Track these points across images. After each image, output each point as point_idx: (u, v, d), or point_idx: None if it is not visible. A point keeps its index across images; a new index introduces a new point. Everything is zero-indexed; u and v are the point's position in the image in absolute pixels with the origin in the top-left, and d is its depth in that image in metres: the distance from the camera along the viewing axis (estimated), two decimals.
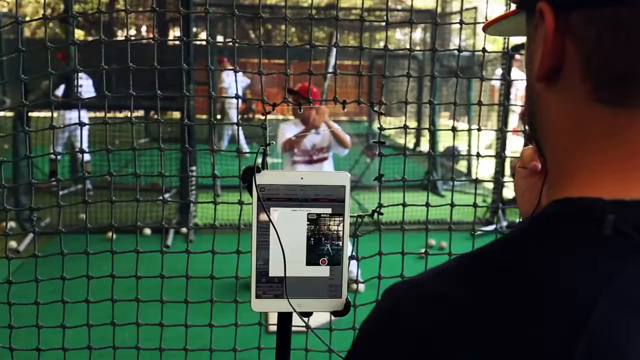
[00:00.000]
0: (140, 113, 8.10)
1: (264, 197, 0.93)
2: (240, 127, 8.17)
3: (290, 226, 0.95)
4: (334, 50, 2.67)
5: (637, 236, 0.43)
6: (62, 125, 2.44)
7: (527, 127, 0.59)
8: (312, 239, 0.96)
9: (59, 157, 7.00)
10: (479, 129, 2.50)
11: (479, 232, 5.30)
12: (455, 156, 6.04)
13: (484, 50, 2.75)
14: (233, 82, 9.89)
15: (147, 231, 5.48)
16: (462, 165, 8.30)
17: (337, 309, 0.98)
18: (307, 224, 0.96)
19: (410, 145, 10.58)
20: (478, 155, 2.40)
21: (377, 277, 2.04)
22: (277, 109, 1.94)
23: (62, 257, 2.17)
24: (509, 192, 6.92)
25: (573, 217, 0.46)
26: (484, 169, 7.32)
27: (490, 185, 6.43)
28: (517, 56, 6.13)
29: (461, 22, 2.82)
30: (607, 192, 0.46)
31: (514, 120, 7.20)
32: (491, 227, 5.85)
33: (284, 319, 1.02)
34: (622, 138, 0.47)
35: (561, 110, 0.50)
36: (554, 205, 0.49)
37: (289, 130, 4.15)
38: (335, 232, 0.96)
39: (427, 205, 2.16)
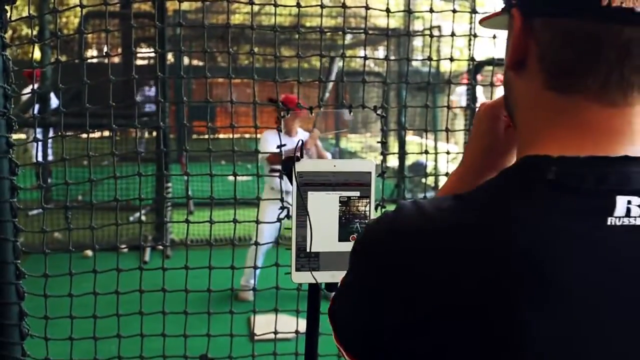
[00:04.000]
0: (106, 133, 8.05)
1: (302, 182, 1.08)
2: None
3: (324, 207, 1.10)
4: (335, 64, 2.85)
5: (568, 180, 0.59)
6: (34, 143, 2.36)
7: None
8: (343, 218, 1.11)
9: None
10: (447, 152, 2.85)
11: None
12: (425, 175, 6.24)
13: (451, 58, 2.93)
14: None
15: (124, 249, 5.50)
16: (429, 179, 8.52)
17: None
18: (339, 206, 1.11)
19: (378, 161, 10.77)
20: (447, 175, 2.67)
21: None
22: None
23: (46, 278, 2.24)
24: None
25: (529, 167, 0.63)
26: None
27: None
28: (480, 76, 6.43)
29: (431, 35, 3.03)
30: (554, 151, 0.62)
31: None
32: None
33: (314, 290, 1.17)
34: (566, 116, 0.63)
35: (525, 93, 0.67)
36: (519, 160, 0.66)
37: (273, 139, 4.31)
38: (363, 212, 1.12)
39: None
